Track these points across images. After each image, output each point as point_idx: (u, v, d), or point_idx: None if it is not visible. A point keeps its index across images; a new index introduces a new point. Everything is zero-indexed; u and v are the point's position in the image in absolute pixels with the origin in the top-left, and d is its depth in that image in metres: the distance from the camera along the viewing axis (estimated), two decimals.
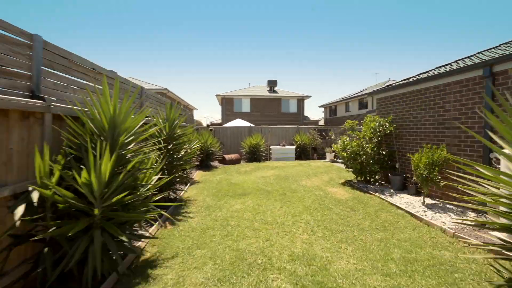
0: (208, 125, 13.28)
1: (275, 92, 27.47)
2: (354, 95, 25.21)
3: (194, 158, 8.25)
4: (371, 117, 7.03)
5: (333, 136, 13.76)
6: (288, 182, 7.49)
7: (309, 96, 26.15)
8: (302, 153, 13.20)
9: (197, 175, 8.89)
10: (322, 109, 35.58)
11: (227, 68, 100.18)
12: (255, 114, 25.80)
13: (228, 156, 11.48)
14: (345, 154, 7.02)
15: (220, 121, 28.09)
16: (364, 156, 6.49)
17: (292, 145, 13.60)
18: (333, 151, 10.68)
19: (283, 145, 13.08)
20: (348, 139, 7.27)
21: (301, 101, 26.53)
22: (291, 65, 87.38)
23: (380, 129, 6.55)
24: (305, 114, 27.98)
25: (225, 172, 9.44)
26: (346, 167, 7.55)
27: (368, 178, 6.95)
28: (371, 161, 6.55)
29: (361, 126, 7.24)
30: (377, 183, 6.87)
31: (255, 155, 12.29)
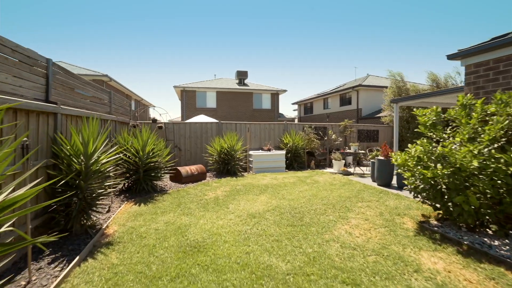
0: (154, 119, 8.66)
1: (245, 85, 23.47)
2: (334, 90, 22.56)
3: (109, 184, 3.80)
4: (470, 97, 3.47)
5: (333, 136, 10.27)
6: (310, 234, 3.55)
7: (285, 90, 22.73)
8: (294, 160, 9.41)
9: (119, 215, 4.42)
10: (295, 107, 32.75)
11: (190, 60, 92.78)
12: (222, 110, 21.48)
13: (185, 170, 7.12)
14: (428, 173, 3.33)
15: (181, 119, 23.17)
16: (499, 180, 2.85)
17: (280, 148, 9.74)
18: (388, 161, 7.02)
19: (268, 149, 9.14)
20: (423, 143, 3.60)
21: (275, 95, 22.98)
22: (257, 62, 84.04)
23: None
24: (280, 111, 24.54)
25: (178, 203, 5.10)
26: (415, 196, 3.91)
27: (475, 223, 3.37)
28: (504, 190, 2.94)
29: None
30: (491, 230, 3.33)
31: (228, 166, 8.12)
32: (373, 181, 6.78)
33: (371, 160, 6.86)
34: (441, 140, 3.59)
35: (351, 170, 8.36)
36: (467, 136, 3.17)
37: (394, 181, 6.47)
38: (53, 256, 2.88)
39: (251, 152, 8.91)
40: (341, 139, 10.57)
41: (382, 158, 6.29)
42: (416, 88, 12.28)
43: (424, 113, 3.65)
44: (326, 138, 10.36)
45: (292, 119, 26.22)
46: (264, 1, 46.87)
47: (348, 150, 9.23)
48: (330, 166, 9.86)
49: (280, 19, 55.96)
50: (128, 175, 5.84)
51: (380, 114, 15.55)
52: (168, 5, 51.98)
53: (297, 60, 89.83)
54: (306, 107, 28.05)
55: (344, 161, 8.48)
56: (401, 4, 50.09)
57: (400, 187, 6.04)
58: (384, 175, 6.19)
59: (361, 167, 9.28)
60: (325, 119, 22.74)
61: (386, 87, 14.32)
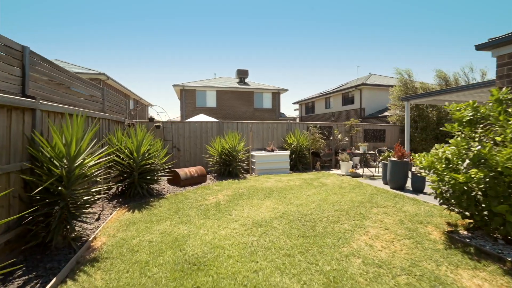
0: (151, 118, 8.23)
1: (246, 84, 23.04)
2: (337, 89, 22.11)
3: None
4: (506, 91, 3.04)
5: (339, 136, 9.84)
6: (326, 247, 3.10)
7: (286, 90, 22.32)
8: (299, 161, 8.97)
9: (109, 223, 3.97)
10: (296, 106, 32.30)
11: (190, 60, 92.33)
12: (222, 109, 21.04)
13: (184, 172, 6.68)
14: (460, 178, 2.90)
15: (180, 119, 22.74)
16: None
17: (284, 149, 9.30)
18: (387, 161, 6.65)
19: (272, 150, 8.70)
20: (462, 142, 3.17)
21: (276, 94, 22.54)
22: (257, 61, 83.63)
23: None
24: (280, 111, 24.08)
25: (176, 210, 4.66)
26: (441, 203, 3.47)
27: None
28: None
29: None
30: None
31: (229, 167, 7.68)
32: (385, 183, 6.34)
33: (383, 162, 6.42)
34: (476, 139, 3.15)
35: (359, 171, 7.92)
36: (510, 135, 2.73)
37: (408, 184, 6.03)
38: (26, 277, 2.44)
39: (253, 153, 8.47)
40: (347, 139, 10.13)
41: (395, 159, 5.86)
42: (425, 86, 11.83)
43: (459, 107, 3.20)
44: (331, 138, 9.91)
45: (294, 119, 25.81)
46: (264, 1, 46.41)
47: (356, 151, 8.78)
48: (336, 167, 9.43)
49: (280, 19, 55.47)
50: (121, 178, 5.40)
51: (386, 113, 15.13)
52: (168, 5, 51.49)
53: (297, 60, 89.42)
54: (307, 106, 27.60)
55: (352, 162, 8.04)
56: (401, 4, 49.61)
57: (416, 190, 5.60)
58: (398, 178, 5.75)
59: (370, 168, 8.84)
60: (327, 118, 22.32)
61: (390, 86, 13.89)
